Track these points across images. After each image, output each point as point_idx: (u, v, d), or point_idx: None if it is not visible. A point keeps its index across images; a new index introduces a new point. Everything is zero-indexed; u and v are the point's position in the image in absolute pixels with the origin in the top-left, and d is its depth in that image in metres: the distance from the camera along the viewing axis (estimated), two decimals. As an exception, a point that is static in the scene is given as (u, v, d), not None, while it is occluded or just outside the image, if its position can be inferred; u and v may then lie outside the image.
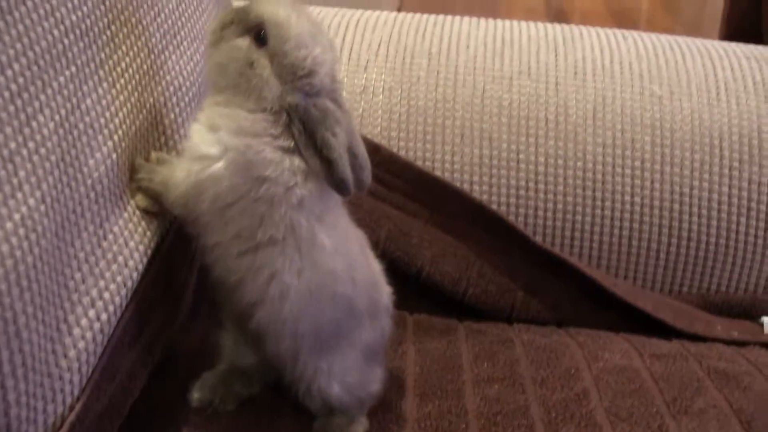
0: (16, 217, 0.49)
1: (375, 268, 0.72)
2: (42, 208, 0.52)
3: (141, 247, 0.64)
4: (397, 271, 0.96)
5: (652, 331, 0.91)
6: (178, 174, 0.63)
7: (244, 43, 0.62)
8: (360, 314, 0.68)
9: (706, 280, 1.01)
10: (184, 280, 0.74)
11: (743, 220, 0.98)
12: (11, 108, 0.51)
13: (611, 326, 0.92)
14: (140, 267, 0.64)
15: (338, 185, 0.61)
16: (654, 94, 1.00)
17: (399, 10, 1.12)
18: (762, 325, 0.96)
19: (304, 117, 0.61)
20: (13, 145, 0.51)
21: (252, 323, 0.64)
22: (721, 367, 0.80)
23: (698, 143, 0.98)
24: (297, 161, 0.62)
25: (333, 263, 0.64)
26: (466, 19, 1.10)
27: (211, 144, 0.61)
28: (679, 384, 0.75)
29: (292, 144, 0.62)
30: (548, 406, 0.72)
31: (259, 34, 0.62)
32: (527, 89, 1.00)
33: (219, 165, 0.61)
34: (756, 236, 0.99)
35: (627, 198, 0.99)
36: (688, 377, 0.76)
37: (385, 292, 0.72)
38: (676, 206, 0.99)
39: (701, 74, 1.02)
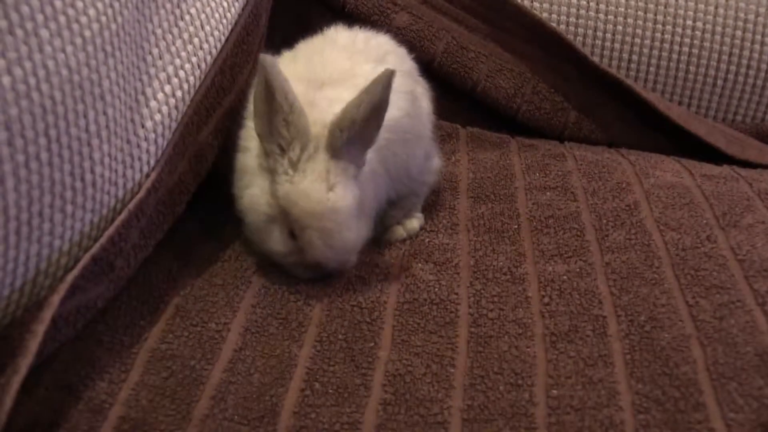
0: (101, -17, 0.50)
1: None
2: (122, -22, 0.53)
3: (216, 33, 0.65)
4: (452, 86, 0.97)
5: (703, 157, 0.91)
6: None
7: None
8: None
9: (762, 110, 1.00)
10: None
11: (807, 50, 0.96)
12: None
13: (663, 149, 0.93)
14: (214, 51, 0.64)
15: None
16: None
17: None
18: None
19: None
20: None
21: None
22: (771, 190, 0.81)
23: (770, -32, 0.94)
24: None
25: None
26: None
27: None
28: (729, 201, 0.76)
29: None
30: (599, 213, 0.74)
31: None
32: None
33: None
34: (817, 68, 0.97)
35: (689, 23, 0.97)
36: (738, 196, 0.77)
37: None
38: (739, 33, 0.96)
39: None
